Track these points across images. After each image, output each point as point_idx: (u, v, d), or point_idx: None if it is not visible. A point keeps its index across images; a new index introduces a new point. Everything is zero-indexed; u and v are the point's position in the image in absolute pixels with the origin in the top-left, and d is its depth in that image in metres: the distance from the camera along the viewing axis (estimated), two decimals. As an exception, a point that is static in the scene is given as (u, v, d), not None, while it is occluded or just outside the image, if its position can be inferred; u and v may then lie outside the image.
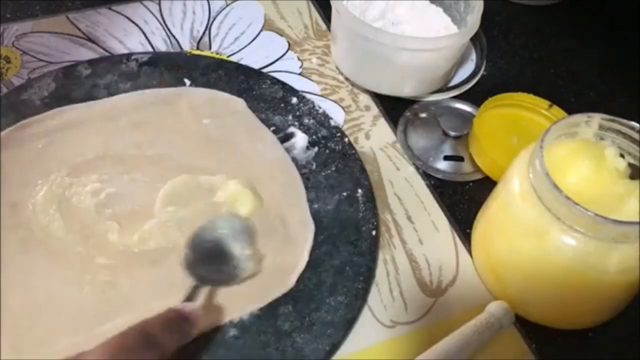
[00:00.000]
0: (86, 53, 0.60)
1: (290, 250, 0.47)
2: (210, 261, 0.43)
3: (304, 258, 0.46)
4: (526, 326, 0.45)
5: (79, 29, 0.62)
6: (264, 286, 0.45)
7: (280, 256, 0.46)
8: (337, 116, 0.58)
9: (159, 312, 0.36)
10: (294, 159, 0.53)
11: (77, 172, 0.49)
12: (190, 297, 0.40)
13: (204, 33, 0.64)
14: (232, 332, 0.43)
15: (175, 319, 0.37)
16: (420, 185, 0.54)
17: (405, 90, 0.58)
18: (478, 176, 0.54)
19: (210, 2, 0.67)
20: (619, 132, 0.43)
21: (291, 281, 0.45)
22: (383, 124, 0.58)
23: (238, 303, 0.44)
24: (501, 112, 0.57)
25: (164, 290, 0.44)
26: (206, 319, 0.42)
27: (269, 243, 0.47)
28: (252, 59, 0.62)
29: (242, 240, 0.45)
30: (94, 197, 0.48)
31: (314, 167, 0.52)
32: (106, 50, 0.61)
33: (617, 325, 0.45)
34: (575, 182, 0.41)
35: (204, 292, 0.42)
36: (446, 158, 0.56)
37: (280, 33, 0.65)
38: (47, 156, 0.50)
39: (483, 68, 0.63)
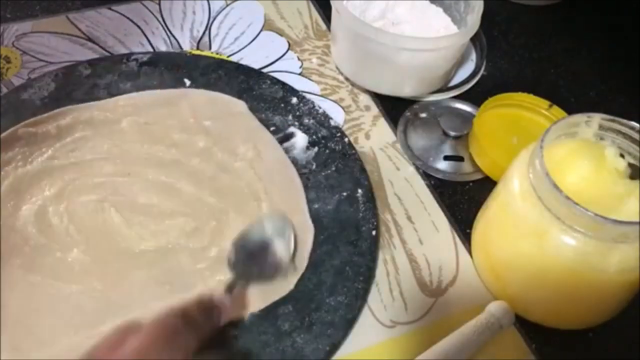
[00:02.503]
0: (86, 53, 0.60)
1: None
2: (252, 259, 0.44)
3: (303, 261, 0.46)
4: (526, 326, 0.45)
5: (79, 29, 0.62)
6: (262, 289, 0.44)
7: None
8: (337, 116, 0.58)
9: (194, 298, 0.37)
10: (294, 159, 0.53)
11: (79, 172, 0.49)
12: (227, 290, 0.41)
13: (204, 33, 0.64)
14: (232, 332, 0.43)
15: (208, 305, 0.37)
16: (420, 185, 0.53)
17: (405, 90, 0.58)
18: (478, 176, 0.54)
19: (210, 2, 0.67)
20: (619, 132, 0.43)
21: (290, 285, 0.45)
22: (383, 124, 0.58)
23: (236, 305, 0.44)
24: (501, 112, 0.57)
25: (164, 290, 0.44)
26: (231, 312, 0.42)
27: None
28: (252, 59, 0.62)
29: (284, 239, 0.45)
30: (96, 197, 0.48)
31: (314, 167, 0.52)
32: (106, 50, 0.61)
33: (617, 325, 0.45)
34: (575, 182, 0.41)
35: (239, 286, 0.42)
36: (446, 158, 0.56)
37: (280, 33, 0.65)
38: (48, 157, 0.50)
39: (483, 68, 0.63)
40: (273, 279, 0.44)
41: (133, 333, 0.33)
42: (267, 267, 0.44)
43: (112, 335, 0.33)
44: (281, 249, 0.45)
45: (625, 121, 0.43)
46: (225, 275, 0.45)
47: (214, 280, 0.45)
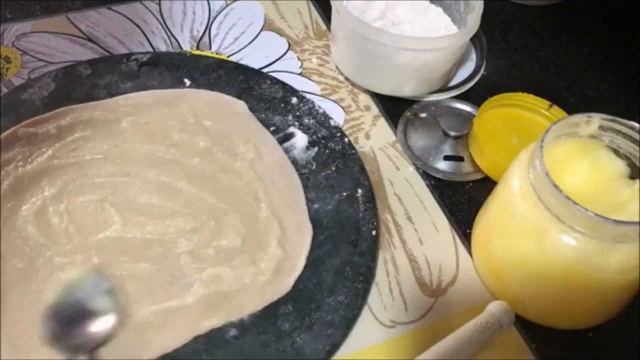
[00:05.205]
0: (86, 53, 0.60)
1: (287, 254, 0.47)
2: (76, 327, 0.38)
3: (301, 263, 0.46)
4: (526, 326, 0.45)
5: (79, 29, 0.62)
6: (260, 290, 0.45)
7: (278, 260, 0.46)
8: (337, 116, 0.58)
9: None
10: (294, 159, 0.53)
11: (79, 172, 0.49)
12: None
13: (204, 33, 0.64)
14: (232, 332, 0.43)
15: None
16: (420, 185, 0.54)
17: (405, 90, 0.58)
18: (478, 176, 0.54)
19: (210, 2, 0.67)
20: (619, 132, 0.43)
21: (288, 286, 0.45)
22: (383, 124, 0.58)
23: (234, 306, 0.44)
24: (501, 112, 0.57)
25: (164, 291, 0.44)
26: None
27: (267, 247, 0.47)
28: (252, 59, 0.62)
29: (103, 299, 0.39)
30: (96, 197, 0.48)
31: (314, 167, 0.52)
32: (106, 50, 0.61)
33: (617, 325, 0.45)
34: (575, 182, 0.41)
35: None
36: (446, 158, 0.56)
37: (280, 33, 0.65)
38: (48, 157, 0.50)
39: (483, 68, 0.63)
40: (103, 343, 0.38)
41: None
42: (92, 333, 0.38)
43: None
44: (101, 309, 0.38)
45: (625, 121, 0.43)
46: (224, 275, 0.45)
47: (213, 280, 0.45)
